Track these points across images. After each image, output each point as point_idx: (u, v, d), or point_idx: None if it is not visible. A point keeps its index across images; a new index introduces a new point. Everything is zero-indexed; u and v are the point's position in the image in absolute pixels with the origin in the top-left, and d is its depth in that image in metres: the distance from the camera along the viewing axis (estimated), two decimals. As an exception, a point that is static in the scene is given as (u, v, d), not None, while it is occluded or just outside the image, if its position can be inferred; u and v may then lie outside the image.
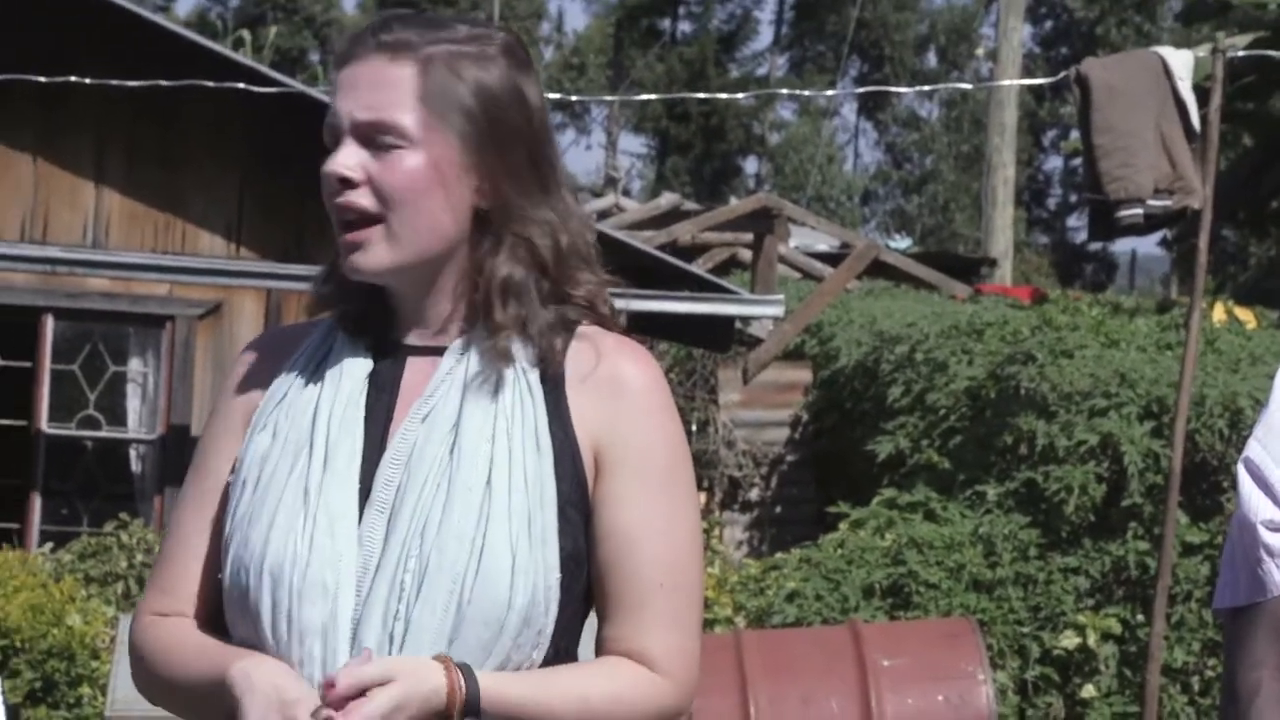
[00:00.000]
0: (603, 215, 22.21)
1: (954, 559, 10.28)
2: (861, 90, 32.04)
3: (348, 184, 2.42)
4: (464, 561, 2.34)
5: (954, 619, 9.35)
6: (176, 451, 12.13)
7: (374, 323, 2.53)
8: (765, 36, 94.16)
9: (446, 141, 2.43)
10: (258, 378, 2.56)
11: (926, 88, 33.56)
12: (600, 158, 59.99)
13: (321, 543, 2.38)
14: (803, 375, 15.99)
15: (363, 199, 2.42)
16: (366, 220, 2.43)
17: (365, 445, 2.44)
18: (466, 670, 2.32)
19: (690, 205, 23.80)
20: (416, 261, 2.45)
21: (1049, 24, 60.08)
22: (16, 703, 9.92)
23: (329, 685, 2.26)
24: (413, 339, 2.51)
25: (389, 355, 2.50)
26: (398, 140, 2.42)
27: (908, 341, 14.14)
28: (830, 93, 31.57)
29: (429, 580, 2.34)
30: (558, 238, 2.48)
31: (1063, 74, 10.31)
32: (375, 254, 2.43)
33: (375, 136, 2.42)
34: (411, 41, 2.44)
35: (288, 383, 2.51)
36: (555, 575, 2.39)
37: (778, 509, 15.61)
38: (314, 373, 2.50)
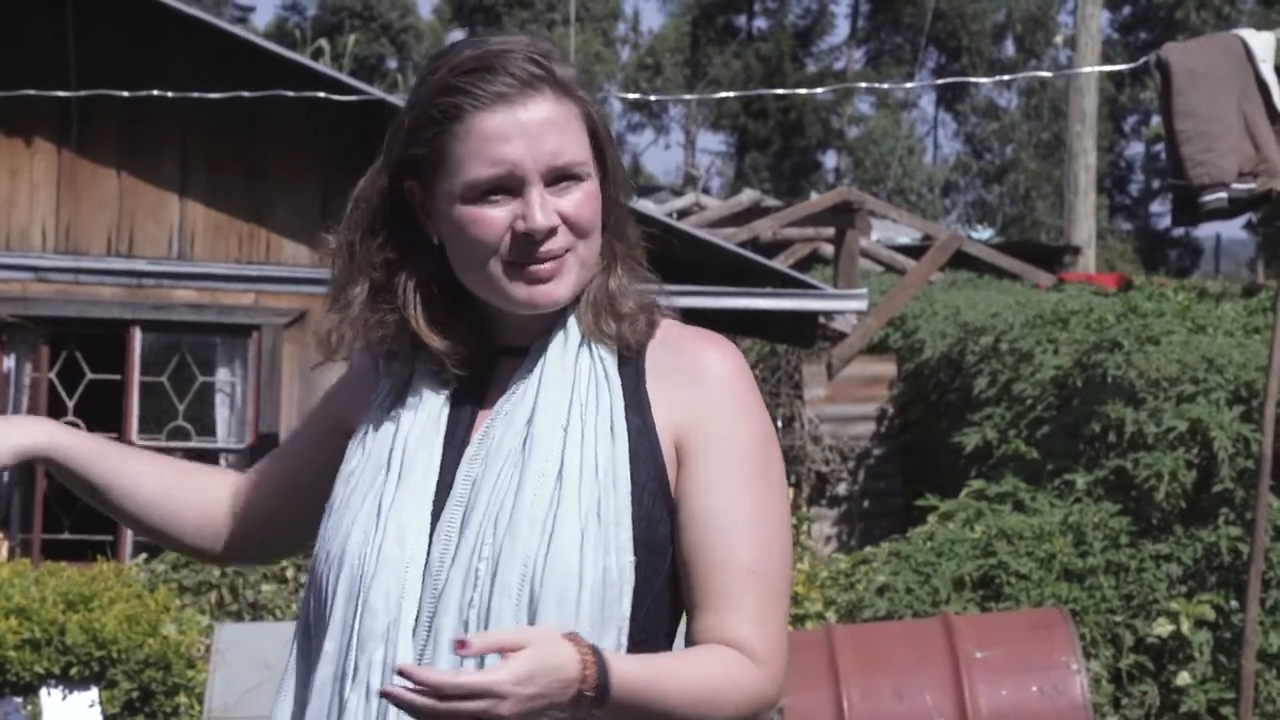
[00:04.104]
0: (683, 214, 22.27)
1: (1044, 549, 10.24)
2: (940, 82, 31.92)
3: (552, 232, 2.47)
4: (535, 544, 2.37)
5: (1046, 609, 9.31)
6: (266, 460, 12.19)
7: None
8: (842, 30, 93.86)
9: (597, 168, 2.52)
10: (357, 394, 2.66)
11: (1006, 77, 33.33)
12: (679, 156, 60.02)
13: (390, 552, 2.43)
14: (887, 369, 15.97)
15: (561, 240, 2.47)
16: (557, 255, 2.49)
17: (449, 451, 2.50)
18: (594, 648, 2.30)
19: (771, 201, 23.82)
20: (588, 282, 2.53)
21: (1127, 9, 59.76)
22: (114, 713, 10.00)
23: (461, 644, 2.23)
24: (499, 339, 2.56)
25: (478, 360, 2.55)
26: (581, 173, 2.48)
27: (992, 332, 14.11)
28: (909, 85, 31.44)
29: (502, 565, 2.37)
30: (637, 248, 2.59)
31: (1143, 59, 10.24)
32: (566, 284, 2.49)
33: (560, 176, 2.47)
34: (562, 75, 2.48)
35: (377, 405, 2.59)
36: (628, 556, 2.40)
37: (865, 503, 15.59)
38: (399, 396, 2.57)
